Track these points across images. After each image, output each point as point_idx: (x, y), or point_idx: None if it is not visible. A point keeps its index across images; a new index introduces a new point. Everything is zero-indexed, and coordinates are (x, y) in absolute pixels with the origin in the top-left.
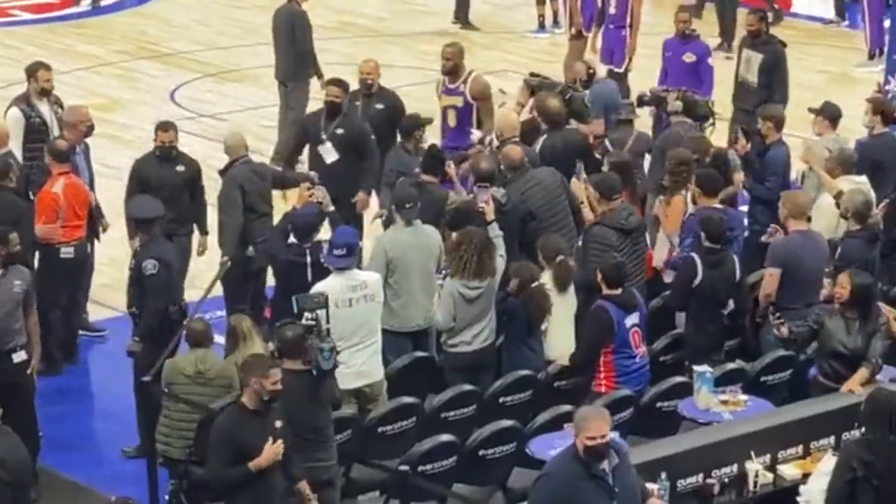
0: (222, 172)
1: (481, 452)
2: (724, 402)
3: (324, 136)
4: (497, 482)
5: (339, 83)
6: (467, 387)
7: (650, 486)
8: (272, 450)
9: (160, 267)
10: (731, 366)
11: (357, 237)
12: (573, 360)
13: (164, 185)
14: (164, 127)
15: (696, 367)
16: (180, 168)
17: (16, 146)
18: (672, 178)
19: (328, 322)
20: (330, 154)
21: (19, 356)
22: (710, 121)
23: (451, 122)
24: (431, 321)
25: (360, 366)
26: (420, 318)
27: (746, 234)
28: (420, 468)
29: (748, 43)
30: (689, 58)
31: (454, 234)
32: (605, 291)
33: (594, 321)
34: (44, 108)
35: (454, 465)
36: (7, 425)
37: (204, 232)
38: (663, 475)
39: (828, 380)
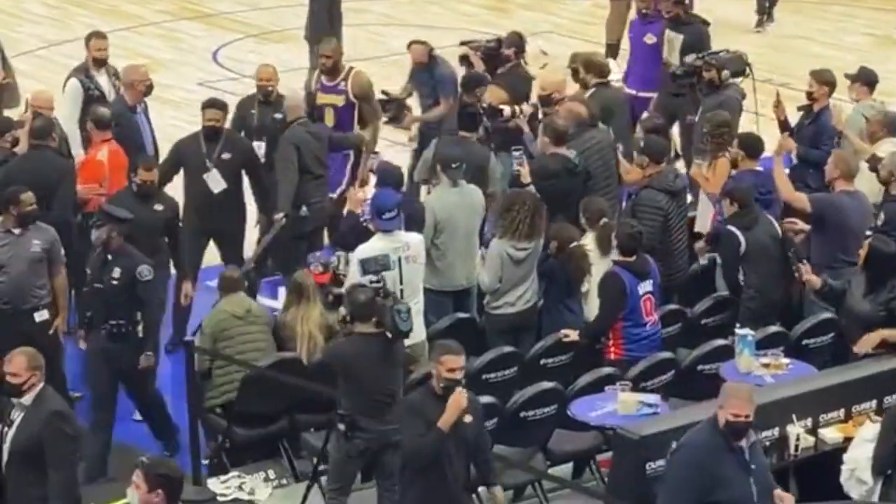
0: (280, 132)
1: (522, 414)
2: (766, 366)
3: (209, 164)
4: (538, 444)
5: (216, 104)
6: (508, 349)
7: None
8: (455, 401)
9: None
10: (772, 329)
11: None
12: (589, 329)
13: (142, 225)
14: (148, 165)
15: (737, 330)
16: (158, 207)
17: (73, 118)
18: (714, 140)
19: (402, 282)
20: (217, 183)
21: (41, 315)
22: (747, 73)
23: (330, 121)
24: (475, 281)
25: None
26: (463, 279)
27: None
28: None
29: (670, 24)
30: (649, 39)
31: (504, 195)
32: (619, 258)
33: (608, 288)
34: (102, 79)
35: (495, 426)
36: None
37: (184, 275)
38: None
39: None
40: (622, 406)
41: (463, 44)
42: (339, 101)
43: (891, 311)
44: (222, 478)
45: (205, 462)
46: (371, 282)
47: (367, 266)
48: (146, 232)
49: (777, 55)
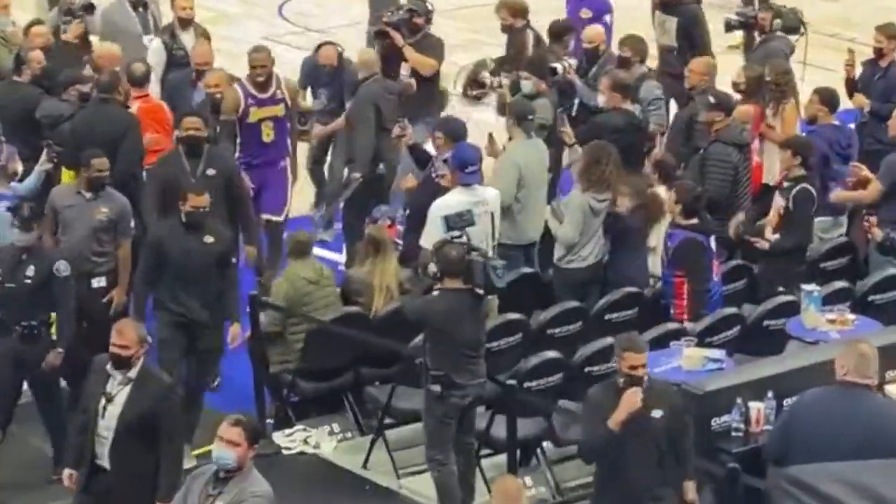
0: (355, 89)
1: (587, 369)
2: (832, 322)
3: (192, 181)
4: None
5: (194, 113)
6: (573, 303)
7: (756, 404)
8: (626, 400)
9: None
10: (839, 284)
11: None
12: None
13: (192, 260)
14: (198, 191)
15: (804, 286)
16: (209, 239)
17: (156, 79)
18: (779, 87)
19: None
20: None
21: (98, 282)
22: (802, 31)
23: (269, 136)
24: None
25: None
26: (534, 232)
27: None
28: (526, 384)
29: (660, 7)
30: (585, 14)
31: (587, 148)
32: (686, 221)
33: (695, 254)
34: (187, 38)
35: (560, 381)
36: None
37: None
38: (770, 394)
39: None
40: (687, 361)
41: (381, 22)
42: (280, 111)
43: None
44: (287, 431)
45: (269, 421)
46: (453, 238)
47: (451, 222)
48: (197, 268)
49: (841, 8)
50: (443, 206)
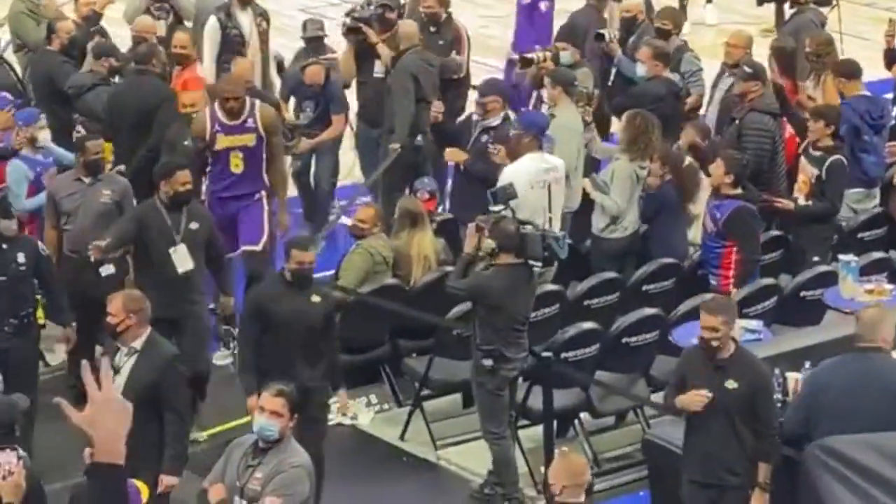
0: (394, 61)
1: (624, 340)
2: (870, 292)
3: (176, 237)
4: (640, 370)
5: (184, 165)
6: (610, 274)
7: (794, 375)
8: (690, 399)
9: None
10: (876, 255)
11: None
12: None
13: (299, 322)
14: (303, 245)
15: (841, 256)
16: (316, 299)
17: (211, 57)
18: (819, 59)
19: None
20: (184, 261)
21: (107, 269)
22: (834, 2)
23: (238, 167)
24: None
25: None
26: (574, 201)
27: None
28: (563, 355)
29: None
30: None
31: (632, 117)
32: (734, 191)
33: (749, 223)
34: (244, 18)
35: (597, 352)
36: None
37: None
38: (807, 364)
39: None
40: None
41: (348, 15)
42: (250, 140)
43: None
44: None
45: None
46: (499, 211)
47: (497, 196)
48: (304, 331)
49: None
50: (520, 171)
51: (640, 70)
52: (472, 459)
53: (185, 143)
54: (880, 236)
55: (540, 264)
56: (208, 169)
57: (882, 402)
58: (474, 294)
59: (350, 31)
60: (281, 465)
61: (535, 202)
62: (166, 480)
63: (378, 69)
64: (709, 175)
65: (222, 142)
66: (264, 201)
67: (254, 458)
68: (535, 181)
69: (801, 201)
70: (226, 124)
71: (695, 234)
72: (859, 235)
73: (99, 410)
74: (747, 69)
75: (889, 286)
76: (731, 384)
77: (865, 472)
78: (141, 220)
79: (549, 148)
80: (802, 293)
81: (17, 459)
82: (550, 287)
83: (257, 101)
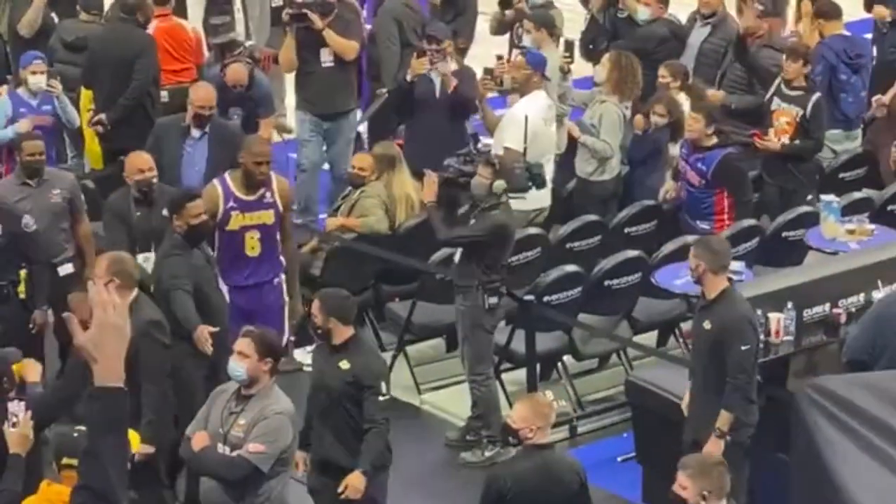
0: (376, 7)
1: (607, 283)
2: (851, 232)
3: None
4: (622, 312)
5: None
6: (592, 217)
7: (776, 315)
8: None
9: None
10: (858, 195)
11: None
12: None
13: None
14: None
15: (822, 197)
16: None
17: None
18: None
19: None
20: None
21: (65, 269)
22: None
23: (255, 249)
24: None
25: (540, 189)
26: (564, 142)
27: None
28: (545, 298)
29: None
30: None
31: (619, 59)
32: (713, 142)
33: (738, 169)
34: None
35: (579, 295)
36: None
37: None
38: (789, 305)
39: None
40: None
41: (291, 2)
42: (269, 217)
43: None
44: (308, 348)
45: (291, 338)
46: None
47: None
48: (330, 398)
49: None
50: (536, 109)
51: (644, 13)
52: (455, 403)
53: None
54: (861, 176)
55: (525, 196)
56: (214, 252)
57: None
58: (496, 233)
59: (293, 19)
60: (264, 412)
61: (549, 138)
62: (142, 449)
63: (326, 58)
64: None
65: (238, 221)
66: (283, 287)
67: (236, 404)
68: (547, 117)
69: (784, 139)
70: (242, 200)
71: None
72: (840, 175)
73: (104, 332)
74: (759, 6)
75: (870, 226)
76: (707, 325)
77: (857, 411)
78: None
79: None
80: (784, 234)
81: (24, 410)
82: (533, 230)
83: (272, 172)
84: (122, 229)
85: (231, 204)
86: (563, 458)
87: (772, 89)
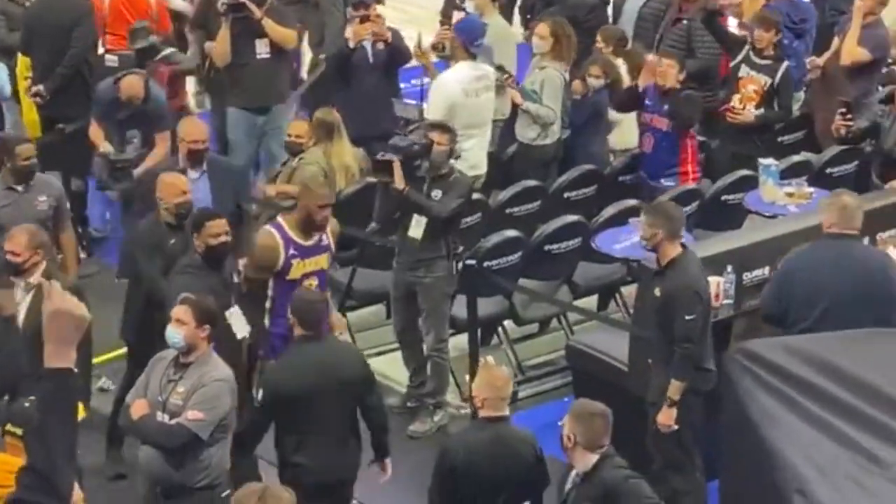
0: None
1: (547, 247)
2: (790, 195)
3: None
4: (563, 277)
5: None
6: (532, 182)
7: (715, 279)
8: None
9: None
10: (796, 158)
11: None
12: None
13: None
14: None
15: (761, 160)
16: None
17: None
18: None
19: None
20: (241, 326)
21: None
22: None
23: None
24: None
25: (474, 158)
26: (508, 107)
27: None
28: (486, 263)
29: None
30: None
31: (552, 24)
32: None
33: (699, 102)
34: None
35: (520, 260)
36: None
37: None
38: (729, 268)
39: (878, 178)
40: None
41: None
42: (325, 261)
43: None
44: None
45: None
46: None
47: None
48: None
49: None
50: (456, 79)
51: None
52: (397, 369)
53: (249, 274)
54: (799, 139)
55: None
56: (268, 304)
57: (849, 284)
58: (469, 196)
59: (231, 9)
60: (202, 380)
61: (474, 109)
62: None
63: (261, 49)
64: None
65: (299, 269)
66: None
67: (175, 372)
68: (468, 89)
69: (752, 111)
70: (302, 246)
71: (616, 139)
72: (779, 139)
73: (52, 318)
74: None
75: (809, 189)
76: (657, 291)
77: (785, 373)
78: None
79: (485, 57)
80: (723, 197)
81: None
82: (473, 196)
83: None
84: (158, 260)
85: (292, 251)
86: (518, 430)
87: (739, 56)
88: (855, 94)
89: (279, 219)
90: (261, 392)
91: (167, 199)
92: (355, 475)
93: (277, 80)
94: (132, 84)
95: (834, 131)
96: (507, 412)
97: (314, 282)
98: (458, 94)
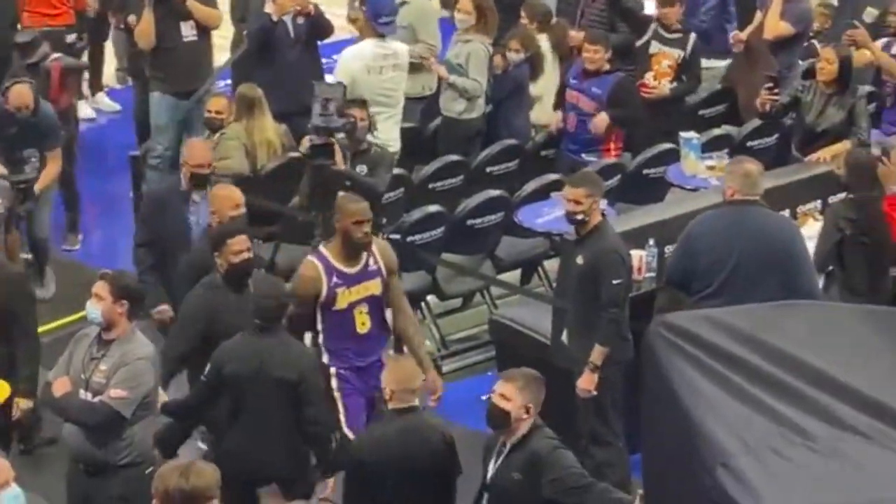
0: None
1: (469, 222)
2: (711, 168)
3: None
4: (486, 251)
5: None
6: (454, 157)
7: (638, 252)
8: None
9: None
10: (717, 131)
11: None
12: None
13: None
14: None
15: (682, 134)
16: None
17: None
18: None
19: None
20: None
21: None
22: None
23: (365, 325)
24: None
25: (384, 135)
26: (434, 83)
27: None
28: (409, 238)
29: None
30: None
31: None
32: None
33: (634, 90)
34: None
35: (442, 234)
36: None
37: None
38: (651, 241)
39: (798, 151)
40: None
41: None
42: (377, 287)
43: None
44: None
45: None
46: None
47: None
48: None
49: None
50: (357, 56)
51: None
52: None
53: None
54: (721, 112)
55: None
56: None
57: (752, 249)
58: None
59: None
60: (125, 357)
61: (373, 87)
62: (21, 404)
63: (187, 32)
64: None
65: (345, 298)
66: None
67: (98, 350)
68: (370, 66)
69: (667, 85)
70: (347, 274)
71: (538, 115)
72: (700, 112)
73: None
74: None
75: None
76: (580, 259)
77: (706, 345)
78: (210, 310)
79: (408, 35)
80: (645, 171)
81: None
82: (395, 171)
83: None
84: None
85: (335, 280)
86: (428, 420)
87: (648, 33)
88: (778, 68)
89: (322, 248)
90: (208, 367)
91: (222, 211)
92: (283, 475)
93: (203, 62)
94: (21, 93)
95: (759, 105)
96: (415, 402)
97: (364, 308)
98: (358, 70)
